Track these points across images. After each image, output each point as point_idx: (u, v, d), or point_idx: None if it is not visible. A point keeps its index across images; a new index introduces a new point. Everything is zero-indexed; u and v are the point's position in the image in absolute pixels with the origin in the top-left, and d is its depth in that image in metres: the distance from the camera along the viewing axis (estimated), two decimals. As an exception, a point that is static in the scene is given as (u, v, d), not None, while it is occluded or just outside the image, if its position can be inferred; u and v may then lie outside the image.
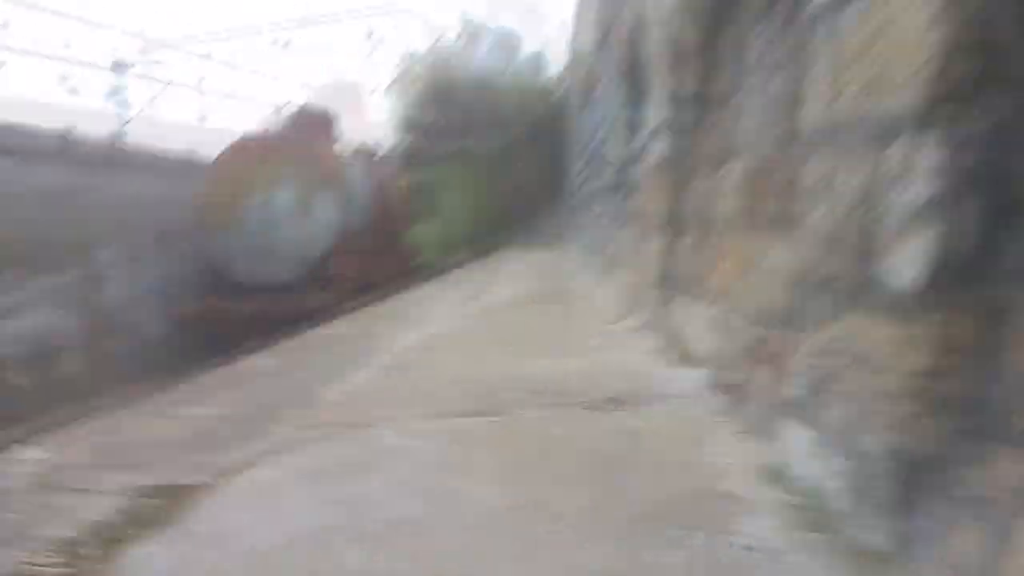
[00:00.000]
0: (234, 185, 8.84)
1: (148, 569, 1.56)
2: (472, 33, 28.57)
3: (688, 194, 4.07)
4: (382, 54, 29.54)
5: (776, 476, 1.81)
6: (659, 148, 4.36)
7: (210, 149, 10.14)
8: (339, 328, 5.94)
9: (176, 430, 2.82)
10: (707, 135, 3.76)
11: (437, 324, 5.53)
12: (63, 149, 8.28)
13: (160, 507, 1.87)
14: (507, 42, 30.37)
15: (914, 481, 1.40)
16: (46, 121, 8.80)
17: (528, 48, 31.94)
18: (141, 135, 12.24)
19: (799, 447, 1.85)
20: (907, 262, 1.46)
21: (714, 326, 3.10)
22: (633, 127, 6.45)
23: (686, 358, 3.12)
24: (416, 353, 4.21)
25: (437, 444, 2.30)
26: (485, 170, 20.88)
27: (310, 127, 10.38)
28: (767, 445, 1.96)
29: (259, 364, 4.31)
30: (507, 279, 9.52)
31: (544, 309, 6.03)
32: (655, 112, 4.60)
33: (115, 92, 20.71)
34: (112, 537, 1.70)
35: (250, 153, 8.94)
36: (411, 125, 25.96)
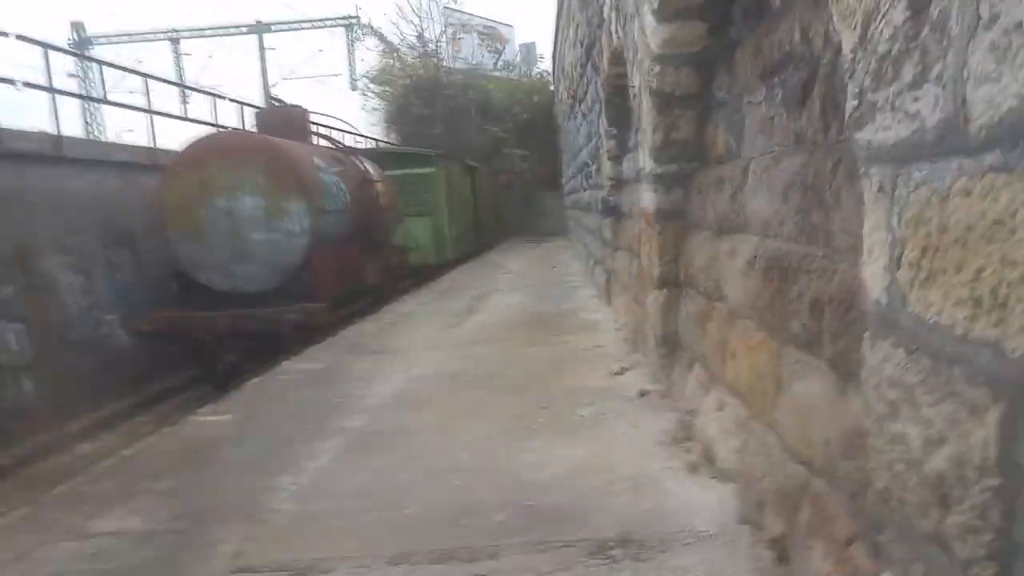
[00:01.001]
0: (198, 184, 8.20)
1: None
2: (459, 24, 27.82)
3: (688, 250, 3.58)
4: (363, 49, 28.69)
5: None
6: (649, 199, 3.87)
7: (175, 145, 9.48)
8: (310, 363, 5.39)
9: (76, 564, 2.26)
10: (707, 191, 3.26)
11: (419, 363, 5.01)
12: None
13: None
14: (496, 34, 29.67)
15: None
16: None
17: (519, 40, 31.36)
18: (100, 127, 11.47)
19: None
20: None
21: (738, 427, 2.62)
22: (621, 148, 5.96)
23: (708, 461, 2.64)
24: (389, 416, 3.69)
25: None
26: (477, 164, 20.22)
27: (282, 123, 9.74)
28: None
29: (209, 429, 3.75)
30: (501, 290, 9.00)
31: (539, 339, 5.51)
32: (643, 157, 4.10)
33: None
34: None
35: (215, 149, 8.29)
36: (396, 119, 25.28)
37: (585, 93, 7.56)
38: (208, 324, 7.97)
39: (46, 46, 9.21)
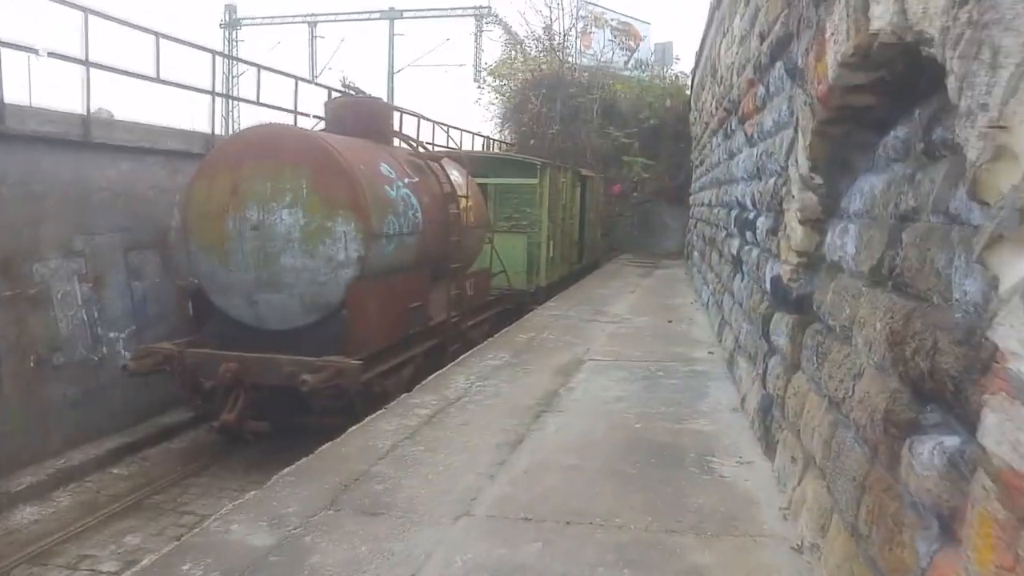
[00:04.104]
0: (229, 190, 6.43)
1: None
2: (592, 17, 25.33)
3: None
4: (489, 40, 26.85)
5: None
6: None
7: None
8: (252, 528, 3.30)
9: None
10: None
11: (431, 559, 2.85)
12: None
13: None
14: (631, 30, 26.95)
15: None
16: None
17: (656, 39, 28.47)
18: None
19: None
20: None
21: None
22: (829, 210, 3.52)
23: None
24: None
25: None
26: (591, 173, 17.76)
27: (357, 118, 7.87)
28: None
29: None
30: (596, 360, 6.66)
31: (640, 521, 3.23)
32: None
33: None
34: None
35: (252, 148, 6.49)
36: (511, 116, 23.23)
37: (759, 108, 5.05)
38: (207, 365, 6.17)
39: None
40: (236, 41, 32.69)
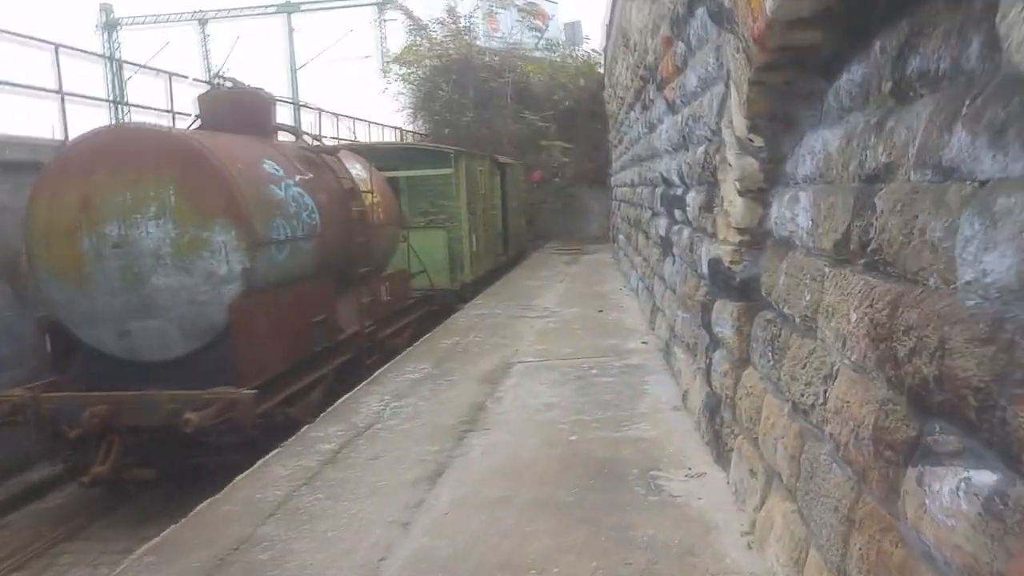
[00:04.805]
0: (79, 203, 5.44)
1: None
2: (495, -1, 24.58)
3: None
4: (393, 29, 25.74)
5: None
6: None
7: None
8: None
9: None
10: None
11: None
12: None
13: None
14: (538, 10, 26.37)
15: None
16: None
17: (564, 18, 28.01)
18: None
19: None
20: None
21: None
22: (772, 176, 3.01)
23: None
24: None
25: None
26: (509, 160, 17.06)
27: (235, 112, 6.93)
28: None
29: None
30: (526, 361, 6.04)
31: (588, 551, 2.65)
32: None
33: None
34: None
35: (105, 152, 5.51)
36: (422, 106, 22.25)
37: (680, 68, 4.51)
38: (70, 411, 5.23)
39: None
40: (116, 44, 30.28)
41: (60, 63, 7.65)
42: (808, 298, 2.51)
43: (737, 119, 3.02)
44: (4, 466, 6.14)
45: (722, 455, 3.60)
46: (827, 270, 2.37)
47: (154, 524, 5.20)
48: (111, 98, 9.97)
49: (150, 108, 9.69)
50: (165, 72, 9.21)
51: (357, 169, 8.30)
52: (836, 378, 2.22)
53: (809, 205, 2.57)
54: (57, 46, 7.62)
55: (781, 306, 2.82)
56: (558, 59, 22.86)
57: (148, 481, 5.63)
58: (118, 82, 24.43)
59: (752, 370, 3.23)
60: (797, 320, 2.62)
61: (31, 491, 6.22)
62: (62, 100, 7.60)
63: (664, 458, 3.85)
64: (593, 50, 22.00)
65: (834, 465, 2.17)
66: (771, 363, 2.90)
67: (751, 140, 2.93)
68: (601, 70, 18.10)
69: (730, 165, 3.27)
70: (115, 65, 21.36)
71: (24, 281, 6.69)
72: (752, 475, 3.04)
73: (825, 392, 2.29)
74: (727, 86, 3.23)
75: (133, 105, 14.04)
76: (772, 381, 2.90)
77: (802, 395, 2.49)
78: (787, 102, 2.75)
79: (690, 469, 3.66)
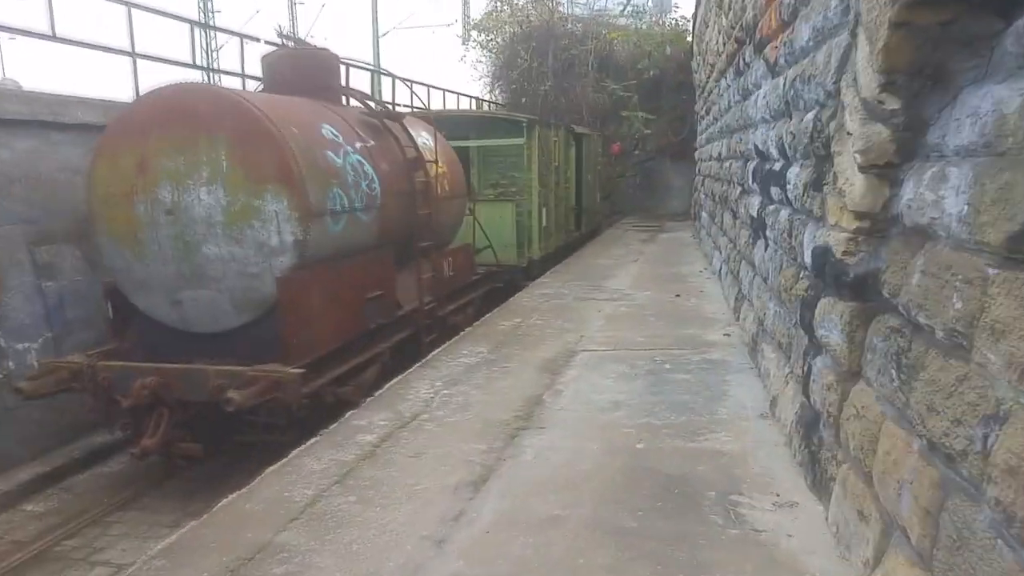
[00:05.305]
0: (135, 167, 5.28)
1: None
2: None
3: None
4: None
5: None
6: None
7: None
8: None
9: None
10: None
11: None
12: None
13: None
14: (625, -26, 25.09)
15: None
16: None
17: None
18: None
19: None
20: None
21: None
22: (906, 148, 2.32)
23: None
24: None
25: None
26: (587, 131, 16.28)
27: (294, 76, 6.64)
28: None
29: None
30: (590, 351, 5.52)
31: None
32: None
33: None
34: None
35: (160, 114, 5.32)
36: (501, 74, 21.64)
37: (786, 22, 3.81)
38: (122, 380, 5.11)
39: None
40: (212, 12, 31.20)
41: (133, 23, 7.57)
42: (959, 307, 1.89)
43: (865, 76, 2.37)
44: (70, 430, 6.17)
45: (819, 482, 3.00)
46: (992, 272, 1.75)
47: (201, 499, 5.09)
48: (194, 63, 10.01)
49: (234, 73, 9.57)
50: (237, 35, 9.03)
51: (424, 137, 7.89)
52: (1006, 422, 1.61)
53: (965, 185, 1.93)
54: (130, 6, 7.53)
55: (913, 313, 2.19)
56: (644, 26, 21.72)
57: (197, 457, 5.49)
58: (207, 47, 25.08)
59: (865, 387, 2.61)
60: (939, 334, 2.00)
61: (95, 454, 6.24)
62: (134, 62, 7.53)
63: (747, 479, 3.28)
64: (682, 17, 20.77)
65: (1000, 543, 1.58)
66: (895, 384, 2.28)
67: (882, 102, 2.28)
68: (689, 38, 16.97)
69: (850, 134, 2.62)
70: (202, 30, 21.84)
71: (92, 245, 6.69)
72: (862, 519, 2.45)
73: (986, 439, 1.69)
74: (852, 35, 2.56)
75: (216, 71, 14.24)
76: (895, 406, 2.29)
77: (945, 435, 1.89)
78: (940, 50, 2.09)
79: (778, 496, 3.08)
